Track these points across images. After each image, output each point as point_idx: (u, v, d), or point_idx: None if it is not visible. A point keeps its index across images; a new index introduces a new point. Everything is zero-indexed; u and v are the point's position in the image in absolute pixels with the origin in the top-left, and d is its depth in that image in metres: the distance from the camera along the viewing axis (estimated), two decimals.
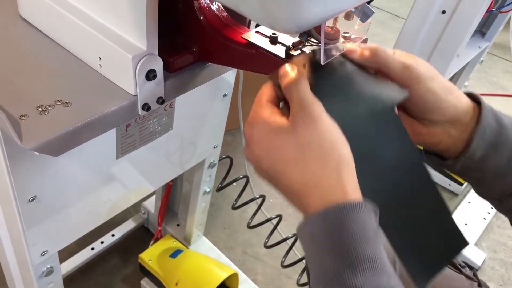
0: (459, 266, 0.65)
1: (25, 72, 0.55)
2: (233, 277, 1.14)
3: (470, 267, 1.22)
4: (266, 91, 0.44)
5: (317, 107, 0.40)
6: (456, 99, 0.47)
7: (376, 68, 0.48)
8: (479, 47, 1.33)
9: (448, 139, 0.48)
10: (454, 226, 0.46)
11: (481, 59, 1.44)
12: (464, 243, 0.47)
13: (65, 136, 0.48)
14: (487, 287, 0.63)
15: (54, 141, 0.47)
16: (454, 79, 1.53)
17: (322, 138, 0.39)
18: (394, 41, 1.19)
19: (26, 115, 0.48)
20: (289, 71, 0.43)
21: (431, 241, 0.46)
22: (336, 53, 0.46)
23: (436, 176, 1.59)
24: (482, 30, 1.37)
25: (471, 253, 1.43)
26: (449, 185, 1.63)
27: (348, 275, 0.35)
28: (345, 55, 0.47)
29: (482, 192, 0.51)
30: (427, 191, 0.46)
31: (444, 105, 0.47)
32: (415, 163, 0.45)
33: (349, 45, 0.48)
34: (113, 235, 1.27)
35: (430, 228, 0.46)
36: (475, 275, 0.64)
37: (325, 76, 0.45)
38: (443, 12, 1.09)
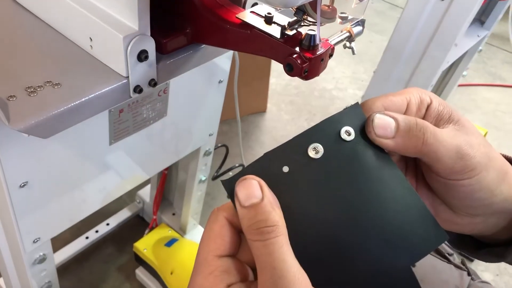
0: (447, 255, 0.63)
1: (14, 53, 0.53)
2: None
3: (462, 254, 1.21)
4: (218, 236, 0.30)
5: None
6: (509, 188, 0.37)
7: (414, 155, 0.35)
8: (478, 35, 1.32)
9: (486, 228, 0.39)
10: None
11: (480, 48, 1.43)
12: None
13: (55, 118, 0.47)
14: (476, 275, 0.62)
15: (43, 122, 0.46)
16: (452, 68, 1.52)
17: None
18: (392, 29, 1.18)
19: (14, 96, 0.47)
20: (251, 211, 0.29)
21: None
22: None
23: None
24: (481, 19, 1.35)
25: None
26: None
27: None
28: (372, 140, 0.33)
29: None
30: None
31: (495, 200, 0.36)
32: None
33: (378, 120, 0.32)
34: (107, 224, 1.26)
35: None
36: (463, 263, 0.63)
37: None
38: None
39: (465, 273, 0.61)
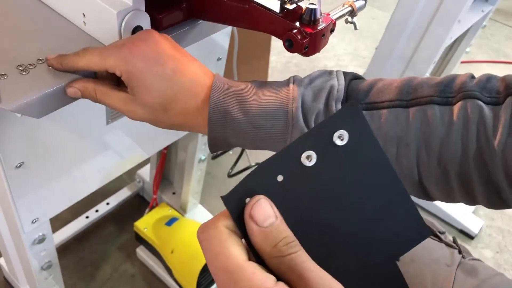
0: (438, 234, 0.63)
1: (5, 30, 0.52)
2: None
3: (462, 231, 1.21)
4: (235, 242, 0.29)
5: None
6: None
7: None
8: (482, 11, 1.29)
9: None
10: None
11: (484, 23, 1.40)
12: None
13: (47, 97, 0.46)
14: (468, 253, 0.61)
15: (36, 102, 0.45)
16: (455, 45, 1.49)
17: None
18: (394, 5, 1.15)
19: (5, 74, 0.46)
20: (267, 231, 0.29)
21: None
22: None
23: None
24: None
25: (468, 221, 1.43)
26: None
27: None
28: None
29: None
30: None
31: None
32: None
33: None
34: (107, 204, 1.26)
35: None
36: (455, 242, 0.62)
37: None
38: None
39: (456, 251, 0.60)
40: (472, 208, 1.48)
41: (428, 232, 0.33)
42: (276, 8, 0.46)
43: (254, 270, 0.28)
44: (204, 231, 0.30)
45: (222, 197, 0.30)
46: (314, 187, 0.31)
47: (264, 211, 0.29)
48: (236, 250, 0.28)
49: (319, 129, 0.30)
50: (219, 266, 0.28)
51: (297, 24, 0.45)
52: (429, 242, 0.62)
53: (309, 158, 0.30)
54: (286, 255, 0.29)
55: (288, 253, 0.29)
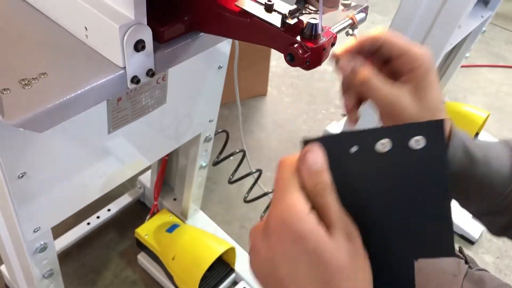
0: None
1: (9, 44, 0.52)
2: (230, 251, 1.14)
3: (462, 236, 1.20)
4: (301, 199, 0.34)
5: (359, 240, 0.35)
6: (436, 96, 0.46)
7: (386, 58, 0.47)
8: (482, 16, 1.29)
9: None
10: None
11: (483, 29, 1.40)
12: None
13: (50, 111, 0.46)
14: (474, 263, 0.61)
15: (38, 116, 0.45)
16: (455, 50, 1.49)
17: (357, 278, 0.33)
18: (395, 10, 1.15)
19: (8, 89, 0.46)
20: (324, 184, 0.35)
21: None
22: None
23: None
24: None
25: (468, 226, 1.43)
26: None
27: None
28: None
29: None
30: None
31: (423, 115, 0.46)
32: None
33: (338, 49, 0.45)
34: (109, 210, 1.26)
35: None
36: (461, 252, 0.62)
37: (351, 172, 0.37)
38: None
39: (463, 261, 0.60)
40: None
41: (452, 253, 0.37)
42: (278, 23, 0.47)
43: (299, 197, 0.34)
44: (282, 166, 0.36)
45: (304, 140, 0.36)
46: (375, 170, 0.35)
47: (315, 157, 0.34)
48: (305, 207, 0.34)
49: (405, 127, 0.35)
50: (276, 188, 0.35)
51: (298, 38, 0.46)
52: None
53: (383, 146, 0.34)
54: (320, 196, 0.34)
55: (322, 195, 0.34)
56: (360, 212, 0.36)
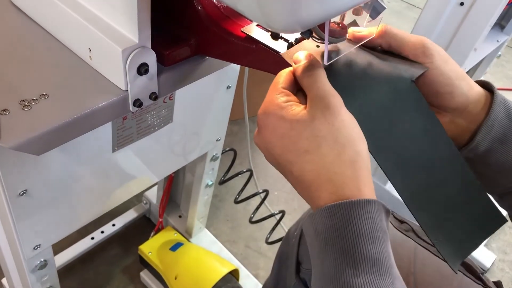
0: (481, 276, 0.62)
1: (11, 63, 0.52)
2: (234, 272, 1.12)
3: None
4: (284, 76, 0.42)
5: (337, 101, 0.39)
6: (468, 86, 0.45)
7: (387, 48, 0.46)
8: (498, 40, 1.27)
9: (455, 129, 0.46)
10: (486, 201, 0.44)
11: (499, 53, 1.38)
12: (501, 220, 0.45)
13: (49, 134, 0.45)
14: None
15: (36, 139, 0.44)
16: (469, 73, 1.47)
17: (340, 133, 0.38)
18: (410, 32, 1.14)
19: (7, 110, 0.45)
20: (304, 59, 0.42)
21: (462, 217, 0.43)
22: (340, 53, 0.43)
23: None
24: (501, 23, 1.30)
25: (481, 255, 1.39)
26: None
27: (350, 273, 0.34)
28: (352, 41, 0.45)
29: (483, 186, 0.48)
30: (455, 166, 0.44)
31: (456, 91, 0.44)
32: (441, 137, 0.43)
33: (353, 29, 0.45)
34: (113, 225, 1.25)
35: (460, 203, 0.44)
36: (499, 285, 0.61)
37: (339, 64, 0.43)
38: (461, 4, 1.04)
39: None
40: (484, 241, 1.44)
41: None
42: (283, 50, 0.45)
43: (284, 89, 0.42)
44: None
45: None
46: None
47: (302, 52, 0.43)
48: (281, 79, 0.43)
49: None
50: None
51: None
52: (472, 286, 0.61)
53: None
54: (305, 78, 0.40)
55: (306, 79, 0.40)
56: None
